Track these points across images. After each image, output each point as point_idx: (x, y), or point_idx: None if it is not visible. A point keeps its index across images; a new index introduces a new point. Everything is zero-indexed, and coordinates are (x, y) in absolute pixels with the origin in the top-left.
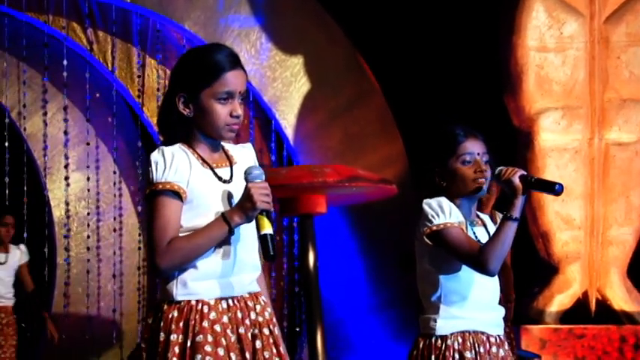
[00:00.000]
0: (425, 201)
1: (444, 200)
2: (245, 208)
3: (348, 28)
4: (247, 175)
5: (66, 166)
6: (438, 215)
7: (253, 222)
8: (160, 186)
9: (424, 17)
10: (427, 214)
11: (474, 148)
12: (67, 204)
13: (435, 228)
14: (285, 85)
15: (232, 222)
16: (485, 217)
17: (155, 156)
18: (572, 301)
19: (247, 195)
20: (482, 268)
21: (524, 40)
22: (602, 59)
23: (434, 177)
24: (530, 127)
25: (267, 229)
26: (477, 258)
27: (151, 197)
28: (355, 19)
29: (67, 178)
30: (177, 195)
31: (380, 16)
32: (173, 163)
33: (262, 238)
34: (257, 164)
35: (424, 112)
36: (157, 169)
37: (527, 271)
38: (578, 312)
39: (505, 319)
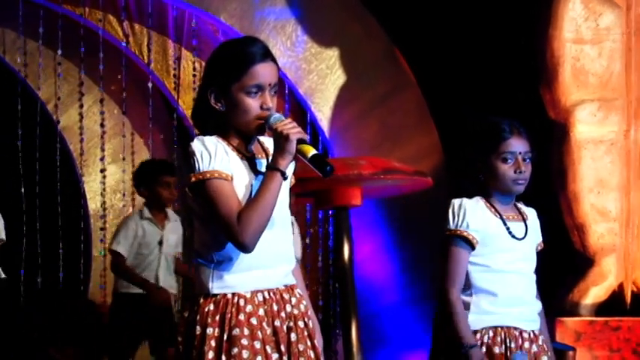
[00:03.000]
0: (452, 200)
1: (468, 204)
2: (282, 147)
3: (384, 21)
4: (269, 121)
5: (102, 159)
6: (454, 219)
7: (286, 214)
8: (209, 174)
9: (460, 9)
10: (447, 215)
11: (516, 147)
12: (103, 196)
13: (447, 233)
14: (321, 77)
15: (280, 166)
16: (529, 210)
17: (198, 145)
18: (607, 294)
19: (279, 135)
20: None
21: (560, 32)
22: (639, 51)
23: (473, 170)
24: (566, 119)
25: (312, 151)
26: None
27: (201, 186)
28: (391, 11)
29: (102, 171)
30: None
31: (416, 8)
32: (218, 153)
33: (312, 160)
34: None
35: (460, 105)
36: (202, 159)
37: (562, 264)
38: (614, 304)
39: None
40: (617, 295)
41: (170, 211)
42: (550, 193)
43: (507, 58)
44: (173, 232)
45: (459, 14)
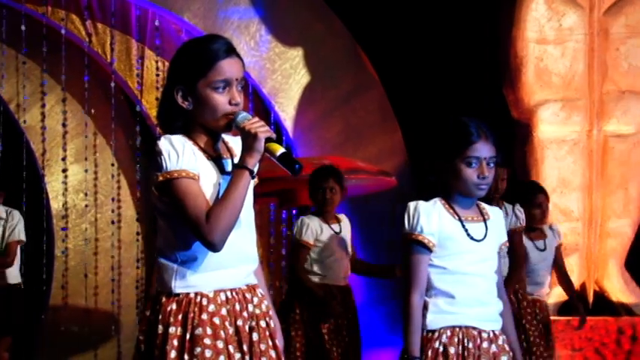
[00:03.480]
0: (408, 203)
1: (423, 207)
2: (251, 146)
3: (347, 20)
4: (236, 120)
5: (64, 159)
6: (409, 222)
7: (250, 214)
8: (176, 174)
9: (424, 9)
10: (404, 219)
11: (482, 152)
12: (65, 196)
13: (404, 236)
14: (285, 77)
15: (248, 164)
16: (493, 211)
17: (165, 144)
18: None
19: (247, 134)
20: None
21: (523, 32)
22: (601, 51)
23: (436, 170)
24: (529, 119)
25: (281, 149)
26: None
27: (168, 185)
28: (354, 10)
29: (65, 171)
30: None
31: (379, 8)
32: (185, 152)
33: (281, 158)
34: None
35: (423, 104)
36: (169, 158)
37: None
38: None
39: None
40: (579, 295)
41: None
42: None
43: (471, 58)
44: None
45: (422, 14)
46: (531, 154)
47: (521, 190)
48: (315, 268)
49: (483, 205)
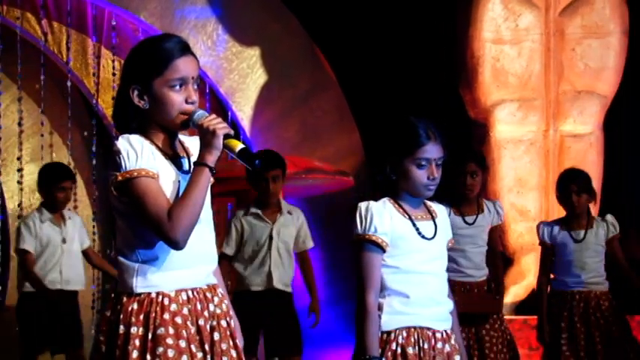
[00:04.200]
0: (359, 204)
1: (374, 207)
2: (209, 143)
3: (304, 20)
4: (193, 119)
5: (19, 158)
6: (361, 223)
7: (209, 213)
8: (136, 173)
9: (381, 9)
10: (355, 220)
11: (431, 154)
12: (21, 196)
13: (356, 237)
14: (242, 76)
15: (208, 161)
16: (439, 208)
17: (123, 144)
18: (526, 292)
19: (205, 131)
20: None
21: (480, 32)
22: (558, 51)
23: (385, 169)
24: (485, 118)
25: (240, 145)
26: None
27: (128, 185)
28: (312, 10)
29: (20, 170)
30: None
31: (337, 8)
32: (144, 151)
33: (241, 154)
34: None
35: (381, 104)
36: (128, 157)
37: None
38: (533, 303)
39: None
40: (536, 294)
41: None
42: None
43: (428, 58)
44: None
45: (379, 13)
46: (488, 154)
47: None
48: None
49: (430, 203)
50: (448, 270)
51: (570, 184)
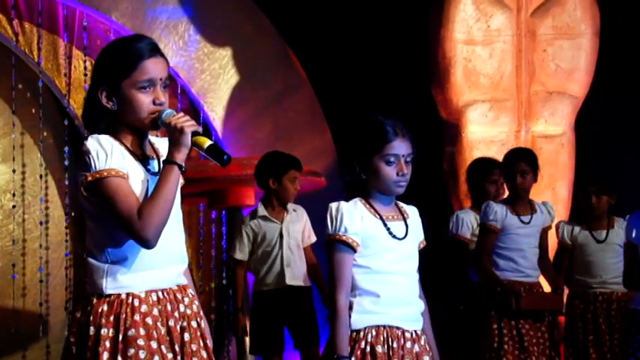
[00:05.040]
0: (330, 205)
1: (345, 207)
2: (178, 140)
3: (276, 20)
4: (162, 117)
5: None
6: (332, 223)
7: (178, 214)
8: (106, 173)
9: (353, 9)
10: (326, 220)
11: (400, 150)
12: None
13: (327, 238)
14: (214, 77)
15: (177, 159)
16: (410, 209)
17: (93, 144)
18: None
19: (173, 129)
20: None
21: (452, 33)
22: (529, 52)
23: (355, 169)
24: (457, 119)
25: (208, 142)
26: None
27: (98, 185)
28: (284, 10)
29: None
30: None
31: (309, 8)
32: (114, 151)
33: (209, 150)
34: None
35: (353, 105)
36: (98, 157)
37: (451, 262)
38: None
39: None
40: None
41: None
42: (443, 193)
43: (400, 59)
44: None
45: (352, 14)
46: (460, 155)
47: (478, 167)
48: None
49: (402, 204)
50: (507, 270)
51: (588, 186)
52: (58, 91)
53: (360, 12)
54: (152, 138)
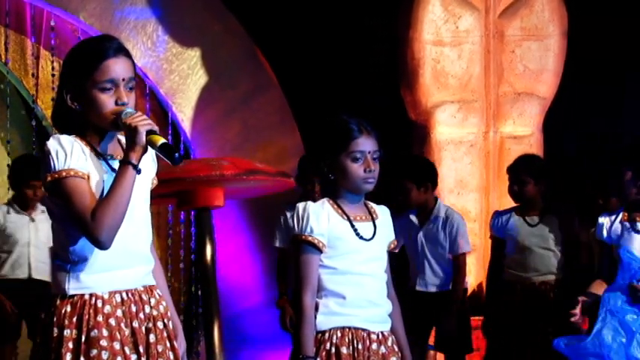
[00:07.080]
0: (297, 205)
1: (311, 208)
2: (132, 139)
3: (245, 21)
4: (121, 117)
5: None
6: (298, 224)
7: (146, 214)
8: (65, 173)
9: (322, 10)
10: (293, 220)
11: (365, 146)
12: None
13: (293, 238)
14: (182, 77)
15: (131, 159)
16: (380, 209)
17: (53, 144)
18: (467, 294)
19: (128, 128)
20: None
21: (420, 34)
22: (497, 53)
23: (323, 169)
24: (426, 120)
25: (161, 140)
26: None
27: (57, 185)
28: (252, 11)
29: None
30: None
31: (278, 8)
32: (74, 151)
33: (161, 148)
34: (154, 156)
35: (322, 106)
36: (57, 157)
37: None
38: (473, 304)
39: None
40: (476, 295)
41: None
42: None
43: (369, 59)
44: None
45: (320, 14)
46: (429, 156)
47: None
48: None
49: (372, 204)
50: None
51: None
52: (25, 92)
53: (329, 12)
54: (122, 137)
